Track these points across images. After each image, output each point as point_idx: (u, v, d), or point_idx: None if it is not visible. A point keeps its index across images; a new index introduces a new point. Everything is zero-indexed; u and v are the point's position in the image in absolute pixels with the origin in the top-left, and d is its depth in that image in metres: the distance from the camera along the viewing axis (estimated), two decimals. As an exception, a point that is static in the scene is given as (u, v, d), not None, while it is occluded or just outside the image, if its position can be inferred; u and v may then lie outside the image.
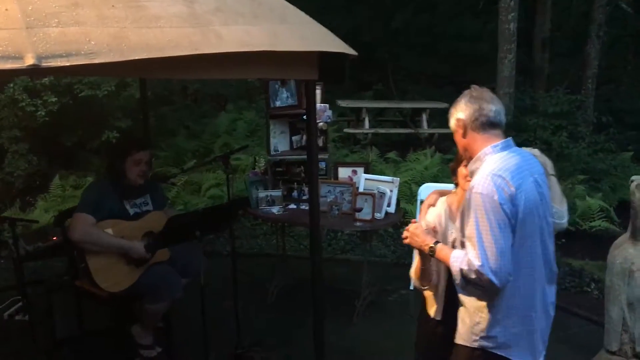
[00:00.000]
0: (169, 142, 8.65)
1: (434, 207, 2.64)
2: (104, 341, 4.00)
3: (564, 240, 6.27)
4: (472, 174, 2.26)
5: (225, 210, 3.78)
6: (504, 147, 2.24)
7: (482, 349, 2.29)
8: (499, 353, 2.27)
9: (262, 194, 4.66)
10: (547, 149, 7.88)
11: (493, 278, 2.07)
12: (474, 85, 2.34)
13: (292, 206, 4.75)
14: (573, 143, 8.16)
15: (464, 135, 2.29)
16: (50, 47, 1.99)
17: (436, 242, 2.35)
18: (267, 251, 6.04)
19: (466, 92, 2.33)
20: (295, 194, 4.83)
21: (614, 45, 12.18)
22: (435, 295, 2.61)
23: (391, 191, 4.52)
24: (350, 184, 4.62)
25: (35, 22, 2.03)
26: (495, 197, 2.08)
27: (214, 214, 3.69)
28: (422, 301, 2.74)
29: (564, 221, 2.61)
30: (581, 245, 6.30)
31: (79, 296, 3.72)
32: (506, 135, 2.30)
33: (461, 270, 2.15)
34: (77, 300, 3.76)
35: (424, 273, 2.54)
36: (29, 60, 1.93)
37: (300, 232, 6.06)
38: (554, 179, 2.60)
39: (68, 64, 2.00)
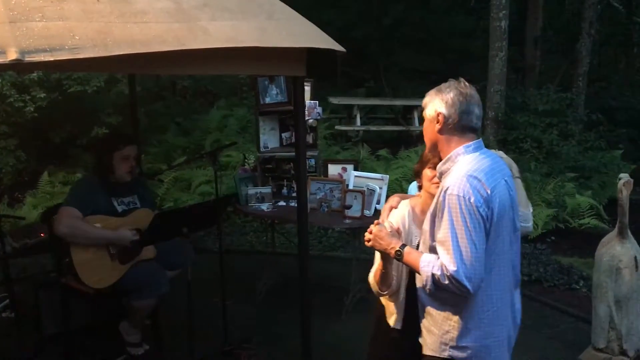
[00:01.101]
0: (159, 138, 8.61)
1: (396, 209, 2.52)
2: (91, 338, 3.97)
3: (553, 237, 6.30)
4: (441, 175, 2.17)
5: (212, 207, 3.76)
6: (476, 148, 2.13)
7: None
8: None
9: (251, 190, 4.64)
10: (537, 147, 7.92)
11: (467, 284, 1.97)
12: (463, 79, 2.17)
13: (282, 203, 4.74)
14: (563, 141, 8.18)
15: (441, 131, 2.15)
16: (33, 42, 1.97)
17: (403, 246, 2.18)
18: (257, 248, 6.04)
19: (453, 83, 2.15)
20: (284, 191, 4.81)
21: (605, 43, 12.24)
22: (395, 303, 2.49)
23: (381, 188, 4.51)
24: (340, 181, 4.61)
25: (19, 16, 2.01)
26: (472, 200, 1.99)
27: (201, 211, 3.67)
28: (377, 312, 2.63)
29: (529, 225, 2.58)
30: (570, 242, 6.34)
31: (65, 293, 3.69)
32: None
33: (433, 275, 2.03)
34: (64, 297, 3.73)
35: (384, 277, 2.39)
36: (12, 55, 1.91)
37: (290, 229, 6.04)
38: (519, 182, 2.54)
39: (52, 59, 1.98)
